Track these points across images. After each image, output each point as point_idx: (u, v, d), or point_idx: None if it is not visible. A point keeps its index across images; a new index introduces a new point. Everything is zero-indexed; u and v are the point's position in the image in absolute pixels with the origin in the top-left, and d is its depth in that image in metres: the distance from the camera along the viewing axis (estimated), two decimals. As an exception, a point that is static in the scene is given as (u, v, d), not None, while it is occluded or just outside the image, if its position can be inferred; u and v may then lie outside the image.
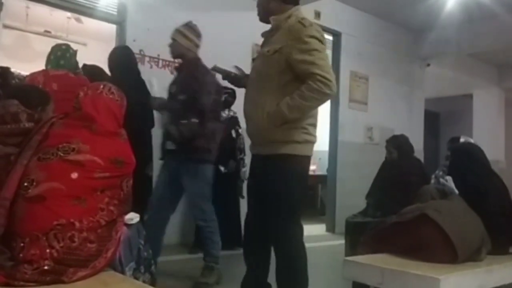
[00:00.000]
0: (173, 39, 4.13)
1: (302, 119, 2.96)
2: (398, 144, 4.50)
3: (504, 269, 2.98)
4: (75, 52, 4.15)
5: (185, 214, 5.77)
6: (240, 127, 5.79)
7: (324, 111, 8.53)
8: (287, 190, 2.98)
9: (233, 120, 5.85)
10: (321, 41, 2.92)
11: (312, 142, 3.07)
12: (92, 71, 4.10)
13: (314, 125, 3.08)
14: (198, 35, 4.16)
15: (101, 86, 2.23)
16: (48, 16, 7.42)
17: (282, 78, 2.97)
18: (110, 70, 4.34)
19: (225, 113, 5.72)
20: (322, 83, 2.81)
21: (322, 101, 2.94)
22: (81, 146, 1.98)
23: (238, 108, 5.58)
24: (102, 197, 2.02)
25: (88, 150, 1.99)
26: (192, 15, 5.95)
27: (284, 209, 2.99)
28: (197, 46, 4.15)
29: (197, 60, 4.11)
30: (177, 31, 4.14)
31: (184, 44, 4.09)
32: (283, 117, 2.90)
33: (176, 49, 4.14)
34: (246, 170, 5.79)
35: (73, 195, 1.93)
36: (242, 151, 5.84)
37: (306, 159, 3.08)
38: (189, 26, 4.16)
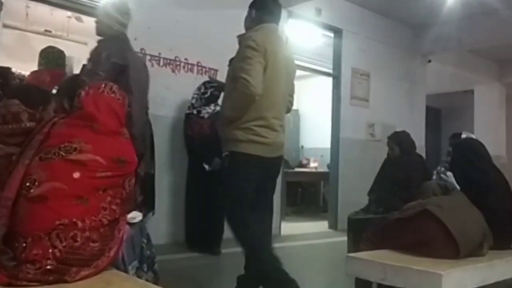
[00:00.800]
0: (97, 17, 3.86)
1: (245, 120, 3.28)
2: (399, 141, 4.50)
3: (506, 264, 2.99)
4: (65, 56, 4.16)
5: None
6: None
7: (325, 107, 8.57)
8: (230, 183, 3.41)
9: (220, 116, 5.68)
10: (255, 49, 3.23)
11: (260, 143, 3.32)
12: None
13: (266, 127, 3.34)
14: (122, 12, 3.80)
15: (103, 85, 2.22)
16: (49, 15, 7.42)
17: (230, 85, 3.39)
18: None
19: (210, 108, 5.59)
20: (242, 84, 3.17)
21: (243, 100, 3.24)
22: (83, 146, 1.98)
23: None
24: (105, 196, 2.02)
25: (90, 149, 1.98)
26: (193, 13, 5.99)
27: (228, 200, 3.40)
28: (120, 23, 3.78)
29: (112, 39, 3.73)
30: (101, 8, 3.91)
31: (104, 22, 3.78)
32: (223, 116, 3.43)
33: (97, 28, 3.83)
34: None
35: (75, 194, 1.92)
36: None
37: (254, 157, 3.32)
38: (114, 2, 3.86)
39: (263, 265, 3.29)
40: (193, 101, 5.62)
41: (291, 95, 3.68)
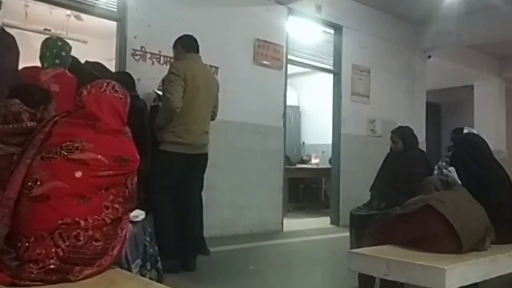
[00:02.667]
0: None
1: (170, 125, 4.25)
2: (403, 135, 4.47)
3: (509, 258, 2.98)
4: (70, 49, 4.10)
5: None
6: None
7: (326, 104, 8.57)
8: (159, 174, 4.27)
9: None
10: (176, 75, 4.25)
11: (180, 143, 4.28)
12: (95, 67, 4.10)
13: (185, 130, 4.28)
14: None
15: (105, 84, 2.21)
16: (48, 14, 7.40)
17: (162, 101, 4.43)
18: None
19: None
20: (164, 99, 4.29)
21: (166, 112, 4.27)
22: (85, 145, 1.98)
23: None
24: (107, 195, 2.02)
25: (92, 148, 1.98)
26: (193, 10, 5.99)
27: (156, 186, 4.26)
28: None
29: None
30: None
31: None
32: (156, 123, 4.37)
33: None
34: None
35: (78, 193, 1.92)
36: None
37: (175, 154, 4.28)
38: None
39: (166, 242, 3.96)
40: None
41: (215, 106, 4.65)
